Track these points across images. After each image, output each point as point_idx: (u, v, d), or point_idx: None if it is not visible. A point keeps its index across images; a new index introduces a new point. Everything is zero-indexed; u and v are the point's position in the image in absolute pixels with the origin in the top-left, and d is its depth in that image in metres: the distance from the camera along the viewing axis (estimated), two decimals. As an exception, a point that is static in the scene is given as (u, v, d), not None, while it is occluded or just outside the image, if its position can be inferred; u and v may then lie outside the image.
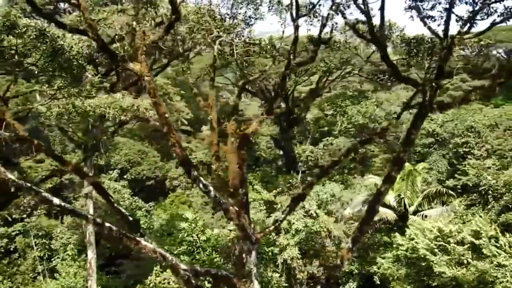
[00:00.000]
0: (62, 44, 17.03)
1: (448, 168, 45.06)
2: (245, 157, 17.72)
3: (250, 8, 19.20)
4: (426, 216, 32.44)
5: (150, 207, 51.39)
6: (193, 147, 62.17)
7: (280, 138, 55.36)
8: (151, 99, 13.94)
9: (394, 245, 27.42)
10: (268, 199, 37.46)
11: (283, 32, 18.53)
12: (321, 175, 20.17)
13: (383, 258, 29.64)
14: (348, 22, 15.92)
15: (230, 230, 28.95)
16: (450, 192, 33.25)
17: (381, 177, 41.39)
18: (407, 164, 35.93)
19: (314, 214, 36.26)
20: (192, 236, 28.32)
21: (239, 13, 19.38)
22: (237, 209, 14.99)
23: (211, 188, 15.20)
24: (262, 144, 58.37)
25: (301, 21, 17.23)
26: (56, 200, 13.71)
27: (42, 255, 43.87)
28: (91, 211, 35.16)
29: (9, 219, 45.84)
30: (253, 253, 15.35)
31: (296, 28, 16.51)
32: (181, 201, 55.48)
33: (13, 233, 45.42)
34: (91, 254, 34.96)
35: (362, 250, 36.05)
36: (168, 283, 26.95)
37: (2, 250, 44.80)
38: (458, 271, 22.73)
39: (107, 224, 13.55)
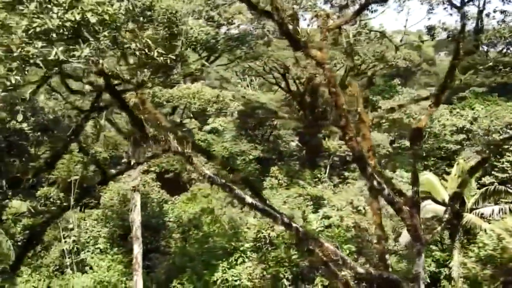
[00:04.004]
0: (183, 29, 16.06)
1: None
2: (419, 153, 16.99)
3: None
4: (482, 214, 32.07)
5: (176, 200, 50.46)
6: (210, 140, 60.86)
7: (305, 133, 54.62)
8: (330, 89, 13.08)
9: (480, 245, 26.97)
10: (315, 195, 36.66)
11: (407, 21, 17.67)
12: (473, 172, 19.47)
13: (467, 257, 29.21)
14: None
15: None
16: (509, 190, 32.92)
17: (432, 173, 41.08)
18: (461, 161, 35.57)
19: (363, 210, 35.70)
20: (262, 233, 27.44)
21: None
22: (409, 209, 14.30)
23: (385, 186, 14.44)
24: (285, 137, 57.56)
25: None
26: (248, 199, 12.85)
27: (70, 248, 42.61)
28: (139, 204, 34.01)
29: (32, 210, 44.48)
30: (422, 255, 14.66)
31: (463, 15, 15.83)
32: (203, 194, 54.32)
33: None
34: (137, 248, 33.62)
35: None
36: (239, 279, 26.05)
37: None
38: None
39: (294, 225, 12.72)
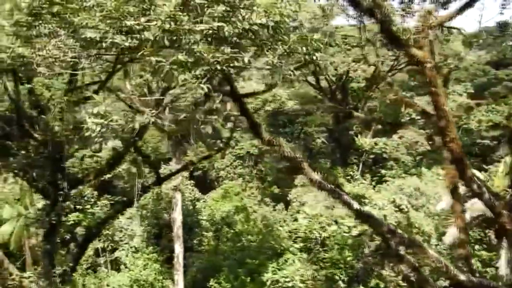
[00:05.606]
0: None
1: (524, 162, 44.08)
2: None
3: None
4: (529, 212, 31.25)
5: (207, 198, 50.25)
6: (239, 137, 60.23)
7: (335, 130, 54.01)
8: (432, 89, 12.61)
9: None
10: (355, 193, 35.97)
11: (481, 16, 17.17)
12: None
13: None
14: None
15: (349, 227, 27.65)
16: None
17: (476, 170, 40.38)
18: (507, 158, 34.81)
19: (406, 209, 35.09)
20: (313, 233, 26.96)
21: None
22: (507, 212, 13.84)
23: (485, 190, 13.99)
24: (312, 134, 56.92)
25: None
26: (355, 205, 12.46)
27: (105, 246, 42.48)
28: (179, 203, 33.86)
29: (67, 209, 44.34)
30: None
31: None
32: (234, 192, 53.87)
33: (67, 223, 43.91)
34: (178, 248, 33.63)
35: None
36: (292, 280, 25.55)
37: (58, 240, 43.22)
38: None
39: (399, 232, 12.33)
